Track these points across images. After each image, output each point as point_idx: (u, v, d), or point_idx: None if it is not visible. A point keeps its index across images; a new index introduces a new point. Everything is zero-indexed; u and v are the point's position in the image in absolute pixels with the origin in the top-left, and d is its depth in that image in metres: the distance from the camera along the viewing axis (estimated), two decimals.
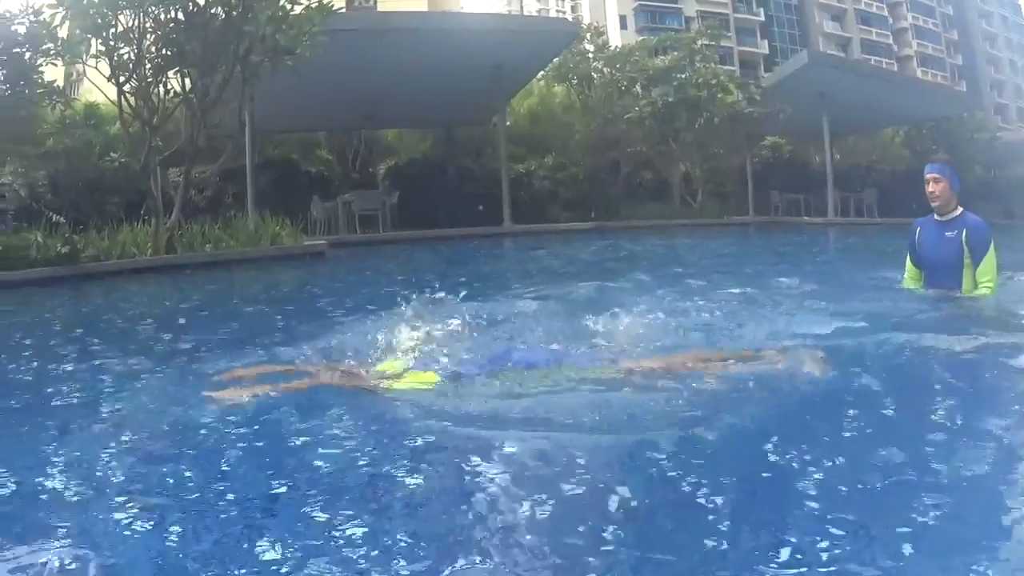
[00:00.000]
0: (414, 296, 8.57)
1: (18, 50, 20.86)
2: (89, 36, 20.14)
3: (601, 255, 21.98)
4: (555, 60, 36.34)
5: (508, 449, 4.54)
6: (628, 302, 9.10)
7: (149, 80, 20.90)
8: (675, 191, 38.31)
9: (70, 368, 7.83)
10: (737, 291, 10.90)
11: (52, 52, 20.98)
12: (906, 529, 3.37)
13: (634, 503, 3.80)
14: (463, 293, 9.61)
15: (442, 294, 9.07)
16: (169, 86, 21.42)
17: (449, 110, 33.57)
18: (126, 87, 20.61)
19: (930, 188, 8.90)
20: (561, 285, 13.53)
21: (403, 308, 8.15)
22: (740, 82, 40.88)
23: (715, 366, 6.15)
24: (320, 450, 4.69)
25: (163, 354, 8.37)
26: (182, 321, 11.79)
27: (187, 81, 21.49)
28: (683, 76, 36.32)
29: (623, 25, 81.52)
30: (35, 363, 8.36)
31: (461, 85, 29.81)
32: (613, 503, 3.75)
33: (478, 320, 8.04)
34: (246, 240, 21.99)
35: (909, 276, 9.54)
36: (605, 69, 39.99)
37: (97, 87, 21.63)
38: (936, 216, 9.03)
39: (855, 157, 45.25)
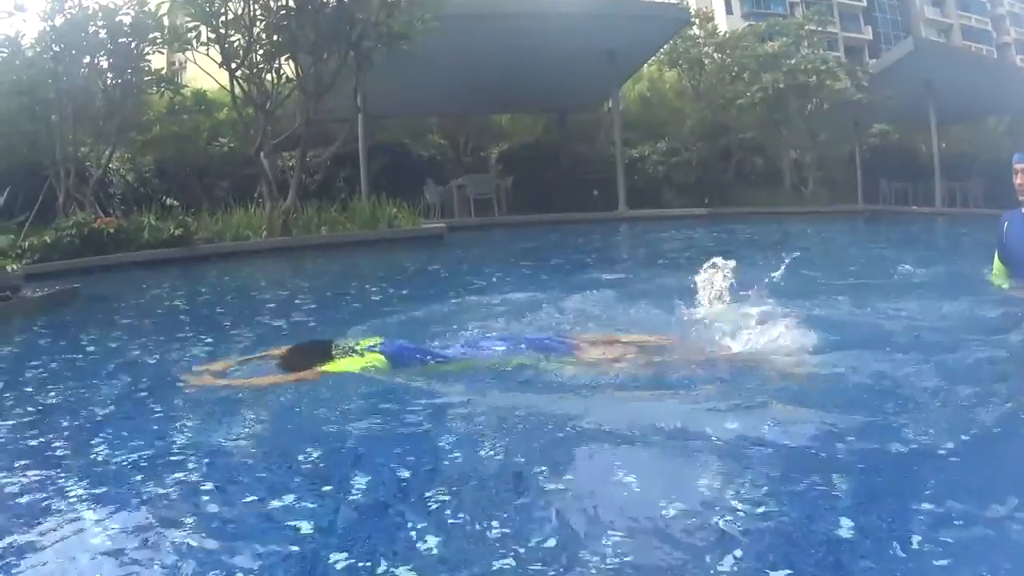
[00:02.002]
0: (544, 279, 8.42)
1: (124, 40, 21.14)
2: (199, 24, 20.29)
3: (717, 241, 21.51)
4: (666, 46, 35.68)
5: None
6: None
7: (260, 66, 21.04)
8: (785, 178, 37.37)
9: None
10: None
11: (159, 41, 21.60)
12: None
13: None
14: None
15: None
16: (281, 72, 21.46)
17: (561, 95, 33.12)
18: (237, 73, 20.70)
19: (1018, 180, 8.11)
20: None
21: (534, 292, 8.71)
22: (848, 68, 39.72)
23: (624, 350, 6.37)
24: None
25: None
26: (312, 304, 11.76)
27: (299, 66, 21.47)
28: (792, 62, 35.38)
29: (729, 10, 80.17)
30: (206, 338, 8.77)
31: (573, 70, 29.40)
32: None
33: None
34: (363, 223, 21.90)
35: (996, 272, 8.87)
36: (716, 55, 39.17)
37: (208, 73, 21.64)
38: None
39: (958, 146, 43.91)
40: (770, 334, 6.48)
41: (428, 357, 6.23)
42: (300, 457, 4.44)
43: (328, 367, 5.93)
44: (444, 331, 7.56)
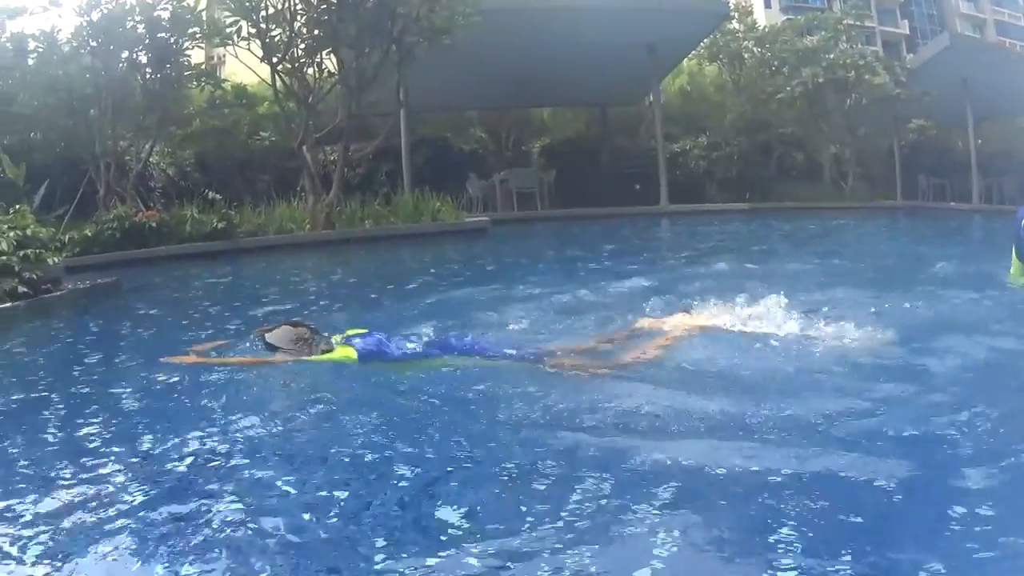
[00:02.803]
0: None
1: (163, 35, 21.17)
2: (239, 19, 20.25)
3: (760, 235, 21.77)
4: (706, 40, 35.40)
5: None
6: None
7: (302, 60, 21.04)
8: (825, 173, 36.91)
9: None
10: None
11: (198, 35, 21.66)
12: None
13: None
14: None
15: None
16: (324, 66, 21.55)
17: (602, 89, 32.75)
18: (279, 68, 20.72)
19: None
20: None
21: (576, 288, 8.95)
22: (886, 63, 39.17)
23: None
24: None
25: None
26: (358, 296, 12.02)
27: (340, 61, 21.45)
28: (831, 56, 34.89)
29: (767, 4, 79.48)
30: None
31: (613, 64, 28.99)
32: None
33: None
34: (407, 216, 21.81)
35: (1015, 271, 8.51)
36: (755, 49, 38.62)
37: (249, 67, 21.78)
38: None
39: (993, 143, 43.23)
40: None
41: (400, 354, 6.47)
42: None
43: (305, 357, 6.30)
44: (488, 323, 7.86)
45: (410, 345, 6.77)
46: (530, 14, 25.78)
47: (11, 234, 12.27)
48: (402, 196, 23.49)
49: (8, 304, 11.18)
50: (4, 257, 11.80)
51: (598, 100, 35.55)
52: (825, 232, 23.29)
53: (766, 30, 39.99)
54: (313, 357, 6.35)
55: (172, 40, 21.50)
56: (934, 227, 26.64)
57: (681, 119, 36.52)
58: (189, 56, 22.83)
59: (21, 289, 11.59)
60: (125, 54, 21.80)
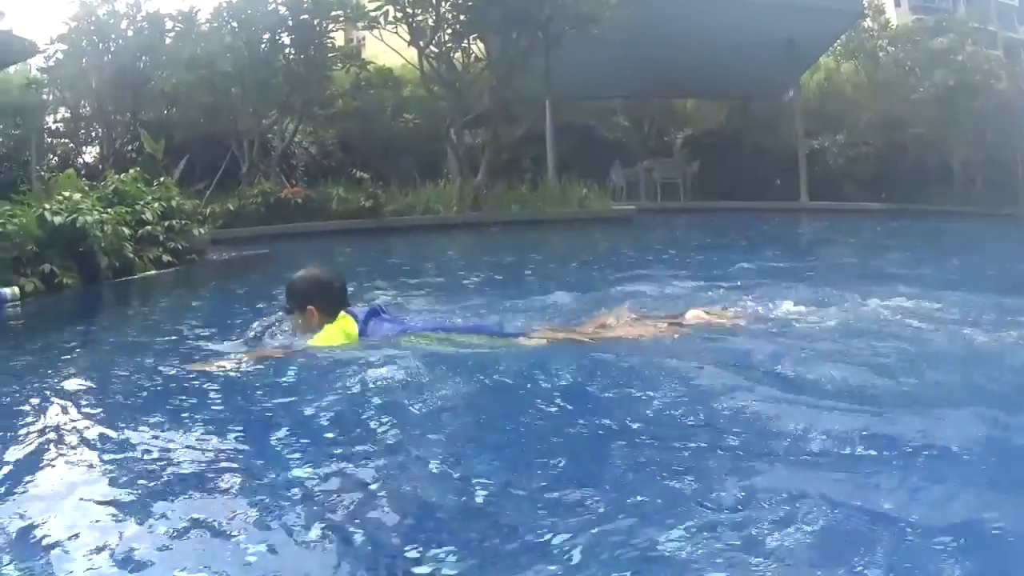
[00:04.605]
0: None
1: (305, 17, 21.47)
2: (385, 3, 20.16)
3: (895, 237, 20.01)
4: (843, 37, 34.69)
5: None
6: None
7: (449, 45, 20.89)
8: (956, 177, 35.54)
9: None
10: None
11: (342, 18, 22.07)
12: None
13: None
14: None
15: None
16: (470, 51, 21.40)
17: (742, 82, 31.55)
18: (426, 52, 20.56)
19: None
20: None
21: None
22: (1009, 69, 37.83)
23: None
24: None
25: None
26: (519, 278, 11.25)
27: (486, 46, 21.39)
28: (959, 58, 33.63)
29: (897, 2, 78.06)
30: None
31: (755, 57, 27.98)
32: None
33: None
34: (553, 202, 21.34)
35: None
36: (889, 48, 37.43)
37: (394, 50, 21.74)
38: None
39: None
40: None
41: (401, 329, 5.71)
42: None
43: (313, 341, 5.53)
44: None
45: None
46: (673, 4, 25.18)
47: (156, 205, 12.54)
48: (546, 181, 23.17)
49: (153, 272, 11.38)
50: (149, 227, 12.01)
51: (738, 93, 34.53)
52: (976, 237, 21.91)
53: (898, 29, 39.25)
54: (321, 341, 5.53)
55: (315, 22, 21.70)
56: None
57: (819, 116, 35.44)
58: (333, 38, 23.21)
59: (166, 258, 11.87)
60: (267, 35, 21.94)
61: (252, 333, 6.39)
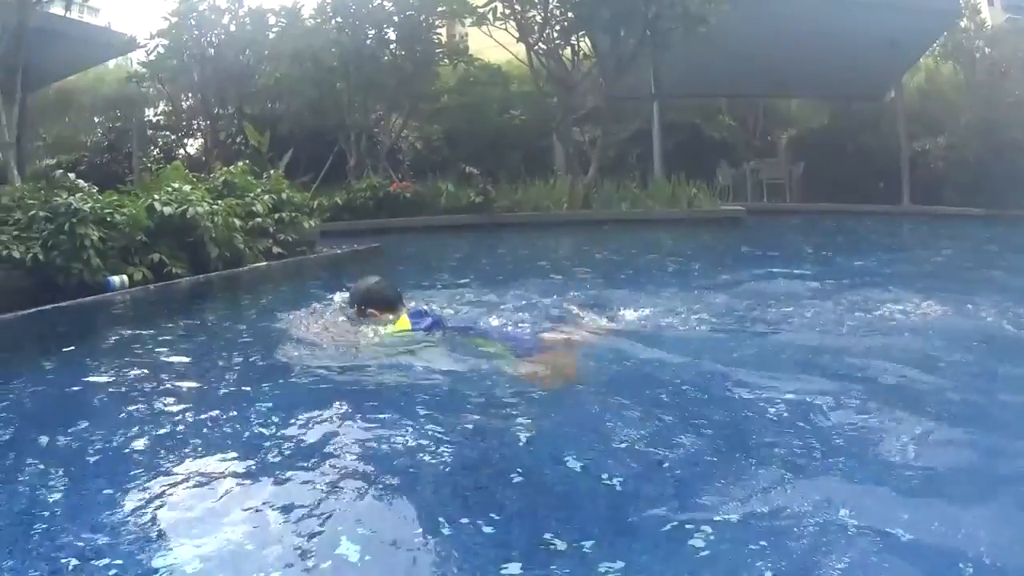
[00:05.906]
0: None
1: (411, 13, 21.73)
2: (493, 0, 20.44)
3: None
4: (941, 37, 33.73)
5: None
6: None
7: (557, 42, 20.92)
8: None
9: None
10: None
11: (448, 14, 22.45)
12: None
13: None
14: None
15: None
16: (578, 49, 21.29)
17: (844, 82, 31.22)
18: (535, 48, 20.74)
19: None
20: None
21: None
22: None
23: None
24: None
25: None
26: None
27: (593, 44, 21.20)
28: None
29: (990, 2, 76.61)
30: None
31: (856, 57, 27.71)
32: None
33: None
34: (663, 200, 20.96)
35: None
36: (986, 49, 36.32)
37: (502, 45, 21.66)
38: None
39: None
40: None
41: (437, 326, 6.16)
42: None
43: (393, 328, 6.02)
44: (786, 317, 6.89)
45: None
46: (780, 2, 25.17)
47: (266, 197, 12.51)
48: (655, 180, 22.82)
49: (263, 263, 11.32)
50: (259, 219, 11.94)
51: (841, 93, 34.15)
52: None
53: (994, 30, 37.92)
54: (396, 328, 6.07)
55: (421, 18, 21.92)
56: None
57: (921, 118, 34.68)
58: (440, 34, 23.36)
59: (276, 250, 11.89)
60: (372, 31, 22.05)
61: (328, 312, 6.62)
